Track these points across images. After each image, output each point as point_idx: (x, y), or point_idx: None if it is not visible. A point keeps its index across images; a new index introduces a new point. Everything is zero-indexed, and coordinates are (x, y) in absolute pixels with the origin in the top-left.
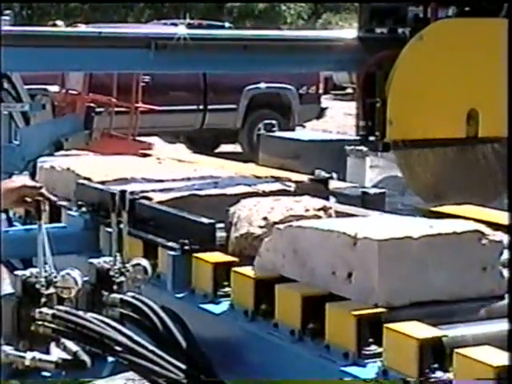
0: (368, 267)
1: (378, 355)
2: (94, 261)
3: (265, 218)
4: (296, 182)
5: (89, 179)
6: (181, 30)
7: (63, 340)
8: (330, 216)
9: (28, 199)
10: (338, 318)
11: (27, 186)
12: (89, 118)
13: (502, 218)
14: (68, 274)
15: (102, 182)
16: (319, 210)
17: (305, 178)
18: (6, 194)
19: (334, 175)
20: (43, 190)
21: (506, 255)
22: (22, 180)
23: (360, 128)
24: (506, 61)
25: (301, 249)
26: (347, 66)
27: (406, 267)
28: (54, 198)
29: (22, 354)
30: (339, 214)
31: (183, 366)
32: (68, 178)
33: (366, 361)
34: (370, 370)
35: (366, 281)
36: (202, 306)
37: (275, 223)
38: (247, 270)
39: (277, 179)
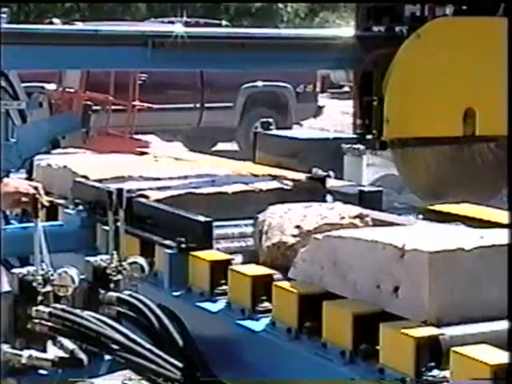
0: (417, 281)
1: (375, 353)
2: (91, 259)
3: (298, 227)
4: (293, 180)
5: (86, 177)
6: (178, 28)
7: (60, 338)
8: (366, 224)
9: (24, 199)
10: (334, 317)
11: (21, 193)
12: (86, 116)
13: (499, 216)
14: (65, 272)
15: (99, 180)
16: (355, 217)
17: (302, 176)
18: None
19: (331, 173)
20: (37, 195)
21: None
22: (16, 184)
23: (357, 126)
24: (504, 60)
25: (341, 260)
26: (344, 65)
27: (458, 281)
28: (47, 204)
29: (18, 352)
30: (376, 222)
31: (180, 364)
32: (65, 176)
33: (362, 359)
34: (367, 369)
35: (414, 296)
36: (198, 304)
37: (309, 232)
38: (244, 268)
39: (274, 177)
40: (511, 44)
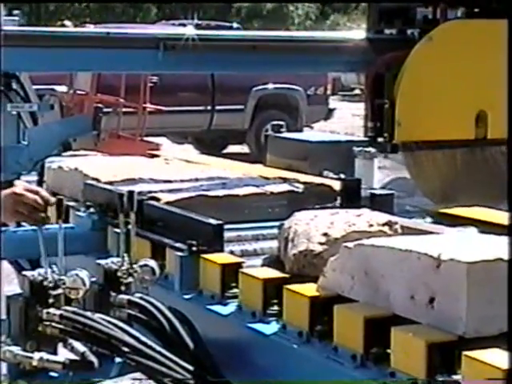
0: (454, 292)
1: (386, 357)
2: (102, 261)
3: (325, 234)
4: (304, 183)
5: (97, 180)
6: (189, 31)
7: (71, 341)
8: (395, 232)
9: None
10: (345, 320)
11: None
12: (97, 119)
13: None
14: (76, 274)
15: (110, 183)
16: (384, 225)
17: (313, 179)
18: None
19: (342, 176)
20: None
21: None
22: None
23: (368, 129)
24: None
25: (373, 270)
26: (356, 67)
27: (497, 293)
28: (52, 200)
29: (29, 354)
30: (406, 230)
31: (190, 367)
32: (76, 179)
33: (374, 363)
34: (378, 373)
35: (451, 307)
36: (209, 307)
37: (337, 239)
38: (255, 271)
39: (285, 180)
40: (511, 46)
